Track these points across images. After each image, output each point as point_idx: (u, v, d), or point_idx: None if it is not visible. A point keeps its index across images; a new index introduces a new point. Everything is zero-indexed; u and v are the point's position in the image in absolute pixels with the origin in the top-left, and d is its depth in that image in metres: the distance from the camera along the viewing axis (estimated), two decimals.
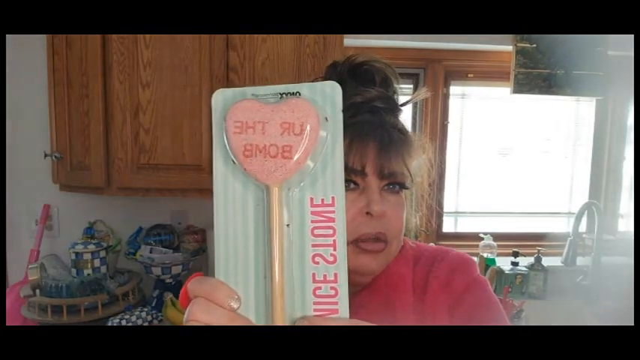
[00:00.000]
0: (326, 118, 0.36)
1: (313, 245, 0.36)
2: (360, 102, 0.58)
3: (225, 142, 0.36)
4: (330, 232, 0.36)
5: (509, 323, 0.64)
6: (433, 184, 0.69)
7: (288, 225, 0.36)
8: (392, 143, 0.57)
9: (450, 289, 0.60)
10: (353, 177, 0.57)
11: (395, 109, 0.62)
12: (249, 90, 0.37)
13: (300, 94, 0.36)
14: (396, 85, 0.62)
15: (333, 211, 0.36)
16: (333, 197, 0.36)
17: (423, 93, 0.65)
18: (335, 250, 0.36)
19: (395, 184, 0.58)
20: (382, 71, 0.61)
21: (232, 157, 0.36)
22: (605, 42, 1.72)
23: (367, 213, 0.56)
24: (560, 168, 2.00)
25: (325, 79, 0.64)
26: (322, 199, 0.36)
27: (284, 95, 0.36)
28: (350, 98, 0.58)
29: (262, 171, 0.35)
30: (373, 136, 0.57)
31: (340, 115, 0.36)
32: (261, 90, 0.36)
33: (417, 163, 0.62)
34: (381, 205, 0.56)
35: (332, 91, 0.36)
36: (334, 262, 0.36)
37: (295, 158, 0.35)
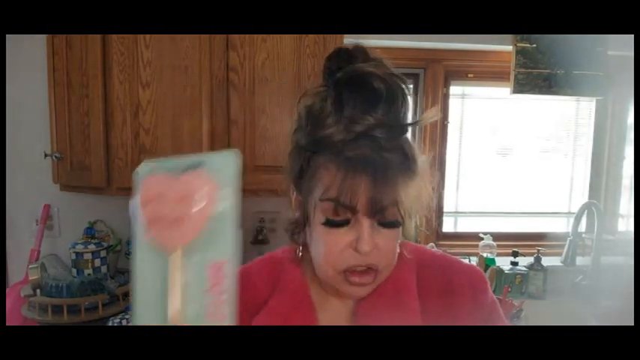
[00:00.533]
0: (223, 187, 0.40)
1: (208, 303, 0.40)
2: (359, 131, 0.52)
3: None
4: (223, 289, 0.40)
5: None
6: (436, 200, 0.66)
7: (189, 284, 0.39)
8: (386, 178, 0.52)
9: (479, 309, 0.62)
10: (342, 212, 0.54)
11: (398, 134, 0.55)
12: (165, 163, 0.41)
13: (201, 166, 0.40)
14: (402, 99, 0.55)
15: (225, 271, 0.40)
16: (226, 260, 0.40)
17: (434, 113, 0.57)
18: (226, 307, 0.40)
19: (387, 223, 0.55)
20: (383, 88, 0.53)
21: (142, 226, 0.40)
22: (605, 42, 1.72)
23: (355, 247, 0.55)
24: (560, 168, 2.00)
25: (325, 85, 0.58)
26: (217, 260, 0.40)
27: (187, 168, 0.40)
28: (348, 122, 0.53)
29: (162, 238, 0.39)
30: (366, 171, 0.52)
31: (236, 183, 0.40)
32: (171, 163, 0.41)
33: (417, 191, 0.56)
34: (370, 244, 0.54)
35: (229, 162, 0.41)
36: (223, 319, 0.40)
37: (191, 226, 0.39)
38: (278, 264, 0.67)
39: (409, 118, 0.57)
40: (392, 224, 0.55)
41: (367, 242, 0.54)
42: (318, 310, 0.63)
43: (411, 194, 0.55)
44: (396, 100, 0.54)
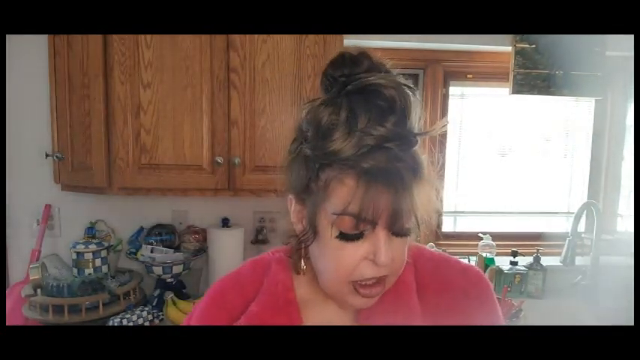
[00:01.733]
0: None
1: None
2: (371, 144, 0.51)
3: None
4: None
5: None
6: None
7: None
8: (405, 189, 0.51)
9: (478, 308, 0.62)
10: (362, 225, 0.53)
11: (412, 144, 0.54)
12: None
13: None
14: (416, 104, 0.54)
15: None
16: None
17: (444, 123, 0.58)
18: None
19: (402, 232, 0.55)
20: (394, 99, 0.52)
21: None
22: (603, 43, 1.73)
23: (372, 259, 0.54)
24: (559, 168, 2.01)
25: (331, 96, 0.55)
26: None
27: None
28: (360, 134, 0.51)
29: None
30: (386, 184, 0.51)
31: None
32: None
33: (427, 197, 0.55)
34: (388, 256, 0.53)
35: None
36: None
37: None
38: (266, 266, 0.66)
39: (418, 127, 0.55)
40: (405, 233, 0.55)
41: (385, 254, 0.53)
42: (307, 312, 0.63)
43: (424, 201, 0.54)
44: (407, 108, 0.53)
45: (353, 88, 0.53)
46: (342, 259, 0.55)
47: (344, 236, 0.53)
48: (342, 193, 0.52)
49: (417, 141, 0.54)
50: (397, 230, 0.54)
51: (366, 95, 0.53)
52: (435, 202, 0.57)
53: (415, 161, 0.53)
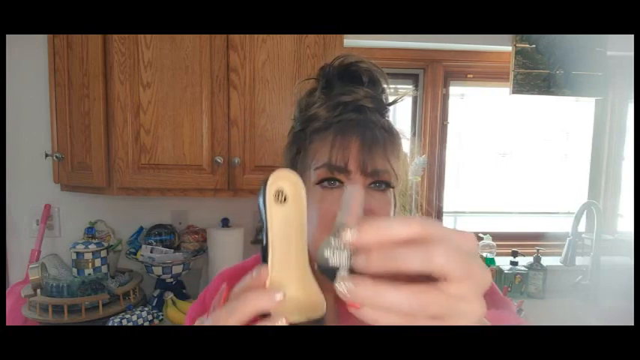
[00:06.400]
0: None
1: None
2: (347, 101, 0.59)
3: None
4: None
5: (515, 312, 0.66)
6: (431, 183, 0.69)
7: None
8: (375, 141, 0.56)
9: None
10: (337, 174, 0.56)
11: (381, 108, 0.61)
12: None
13: None
14: (384, 86, 0.62)
15: None
16: None
17: (411, 92, 0.67)
18: None
19: (380, 182, 0.57)
20: (369, 71, 0.61)
21: None
22: (604, 42, 1.73)
23: None
24: (559, 168, 2.01)
25: (317, 80, 0.64)
26: None
27: None
28: (337, 97, 0.59)
29: None
30: (356, 133, 0.56)
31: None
32: None
33: (403, 166, 0.61)
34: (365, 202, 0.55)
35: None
36: None
37: None
38: None
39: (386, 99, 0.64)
40: (386, 184, 0.57)
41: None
42: None
43: (399, 164, 0.58)
44: (378, 84, 0.61)
45: (332, 68, 0.61)
46: (322, 210, 0.57)
47: (325, 184, 0.57)
48: (319, 148, 0.58)
49: (387, 109, 0.62)
50: (375, 180, 0.56)
51: (343, 72, 0.61)
52: (407, 180, 0.62)
53: (390, 126, 0.60)
